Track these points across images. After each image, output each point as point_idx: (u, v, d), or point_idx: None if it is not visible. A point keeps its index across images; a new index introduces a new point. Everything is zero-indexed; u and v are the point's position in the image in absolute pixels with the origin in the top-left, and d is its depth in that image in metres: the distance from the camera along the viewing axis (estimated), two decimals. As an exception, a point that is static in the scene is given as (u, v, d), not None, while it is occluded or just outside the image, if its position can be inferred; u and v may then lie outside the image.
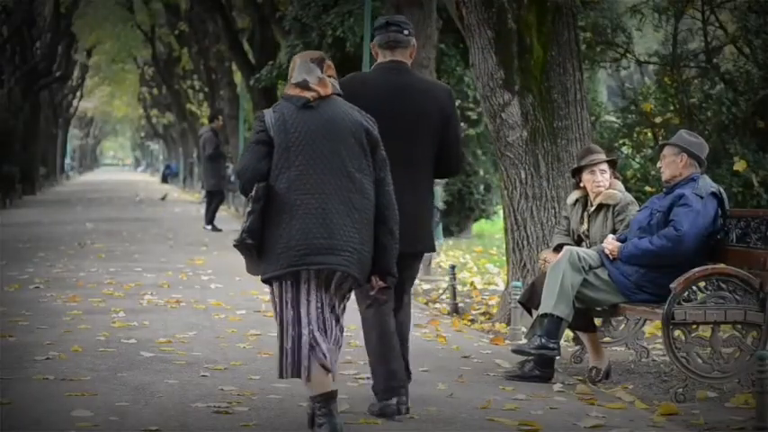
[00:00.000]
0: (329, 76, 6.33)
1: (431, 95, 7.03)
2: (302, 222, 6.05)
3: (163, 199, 42.39)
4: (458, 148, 7.14)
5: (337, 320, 6.22)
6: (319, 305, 6.10)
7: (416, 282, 14.98)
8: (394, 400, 6.73)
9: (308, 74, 6.28)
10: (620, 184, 8.78)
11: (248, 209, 6.10)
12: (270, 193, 6.09)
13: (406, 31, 7.06)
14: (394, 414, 6.68)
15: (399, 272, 6.56)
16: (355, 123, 6.25)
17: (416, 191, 6.96)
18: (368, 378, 7.60)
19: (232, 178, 27.84)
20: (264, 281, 6.16)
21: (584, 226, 8.73)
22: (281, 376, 6.18)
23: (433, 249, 7.35)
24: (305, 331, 6.06)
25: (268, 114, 6.25)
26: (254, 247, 6.10)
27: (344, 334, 6.29)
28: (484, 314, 11.87)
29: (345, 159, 6.17)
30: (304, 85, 6.26)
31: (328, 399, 6.06)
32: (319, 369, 6.06)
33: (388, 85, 6.95)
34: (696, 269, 7.64)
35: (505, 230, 11.06)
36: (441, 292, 13.63)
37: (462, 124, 25.29)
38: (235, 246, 6.21)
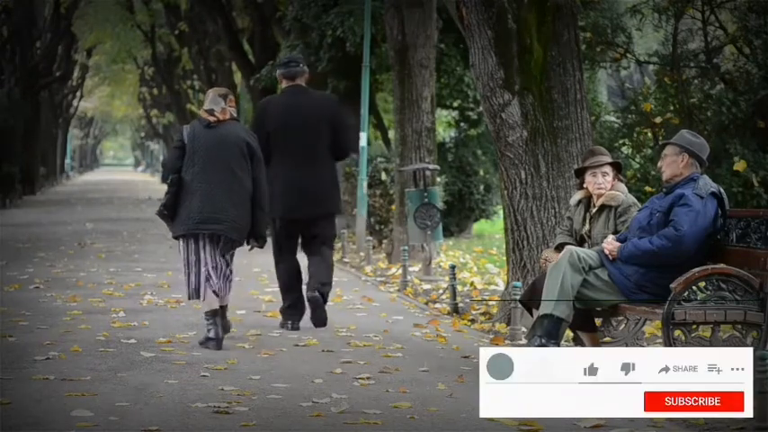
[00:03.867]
0: (230, 107, 9.56)
1: (321, 106, 10.53)
2: (199, 201, 9.35)
3: None
4: (346, 138, 10.62)
5: (227, 264, 9.50)
6: (212, 254, 9.40)
7: (416, 282, 15.03)
8: (289, 324, 10.38)
9: (215, 104, 9.53)
10: (623, 186, 8.78)
11: (166, 191, 9.44)
12: (180, 181, 9.40)
13: (301, 65, 10.58)
14: (288, 330, 10.29)
15: (317, 230, 10.46)
16: (240, 139, 9.51)
17: (317, 173, 10.41)
18: (368, 378, 7.95)
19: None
20: (174, 237, 9.54)
21: (587, 227, 8.74)
22: (189, 299, 9.55)
23: (338, 211, 10.84)
24: (202, 269, 9.38)
25: (185, 129, 9.64)
26: (169, 216, 9.46)
27: (231, 280, 9.65)
28: (484, 314, 11.87)
29: (231, 162, 9.42)
30: (210, 112, 9.52)
31: (215, 314, 9.32)
32: (210, 294, 9.35)
33: (291, 103, 10.43)
34: (696, 269, 7.64)
35: (505, 230, 11.05)
36: (441, 292, 13.63)
37: (462, 124, 25.33)
38: (157, 214, 9.58)
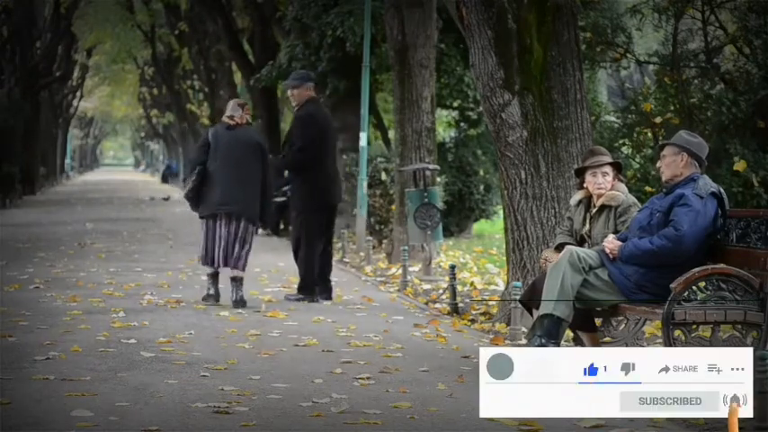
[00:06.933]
0: (246, 114, 12.17)
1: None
2: (218, 188, 11.89)
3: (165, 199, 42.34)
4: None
5: (235, 240, 11.91)
6: (226, 232, 11.91)
7: (416, 282, 15.05)
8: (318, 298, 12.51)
9: (235, 112, 12.15)
10: (623, 186, 8.78)
11: (192, 179, 12.09)
12: (205, 171, 11.98)
13: None
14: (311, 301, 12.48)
15: (333, 217, 12.83)
16: (253, 140, 12.19)
17: (336, 169, 12.97)
18: (368, 378, 7.95)
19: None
20: (200, 217, 12.06)
21: (587, 227, 8.74)
22: (203, 264, 12.20)
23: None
24: (216, 244, 11.95)
25: (210, 131, 12.30)
26: (193, 200, 12.12)
27: (240, 270, 12.01)
28: (484, 314, 11.87)
29: (244, 158, 11.95)
30: (231, 118, 12.12)
31: (215, 276, 12.13)
32: (216, 263, 12.00)
33: (326, 113, 13.28)
34: (696, 269, 7.64)
35: (505, 230, 11.05)
36: (441, 292, 13.63)
37: (462, 124, 25.34)
38: (184, 197, 12.53)
